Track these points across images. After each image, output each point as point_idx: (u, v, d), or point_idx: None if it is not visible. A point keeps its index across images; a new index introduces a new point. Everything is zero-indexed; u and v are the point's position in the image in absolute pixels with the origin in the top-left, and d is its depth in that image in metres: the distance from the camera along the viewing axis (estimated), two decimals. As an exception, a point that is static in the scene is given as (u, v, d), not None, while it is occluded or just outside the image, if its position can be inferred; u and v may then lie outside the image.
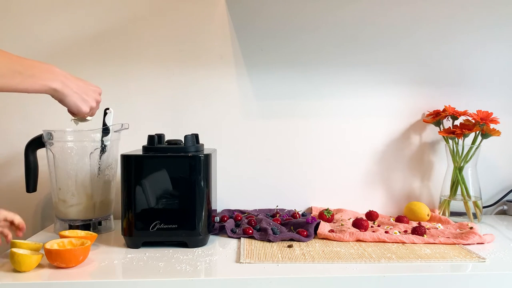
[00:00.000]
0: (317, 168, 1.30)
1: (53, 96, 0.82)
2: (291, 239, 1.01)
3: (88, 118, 0.95)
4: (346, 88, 1.29)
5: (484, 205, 1.31)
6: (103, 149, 1.08)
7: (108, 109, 1.10)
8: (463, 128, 1.22)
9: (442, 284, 0.81)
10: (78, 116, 0.90)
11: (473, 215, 1.21)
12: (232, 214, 1.19)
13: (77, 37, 1.25)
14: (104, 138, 1.08)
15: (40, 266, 0.84)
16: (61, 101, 0.84)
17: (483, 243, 1.00)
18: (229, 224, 1.09)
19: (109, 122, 1.09)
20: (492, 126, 1.22)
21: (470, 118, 1.23)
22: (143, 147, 1.01)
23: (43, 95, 0.99)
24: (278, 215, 1.20)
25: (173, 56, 1.27)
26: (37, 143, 1.10)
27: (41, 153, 1.12)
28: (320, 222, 1.11)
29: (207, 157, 0.97)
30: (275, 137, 1.30)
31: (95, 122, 1.13)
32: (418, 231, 1.03)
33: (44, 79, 0.79)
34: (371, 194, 1.32)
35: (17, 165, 1.27)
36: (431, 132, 1.32)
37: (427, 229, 1.09)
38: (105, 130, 1.08)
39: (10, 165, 1.27)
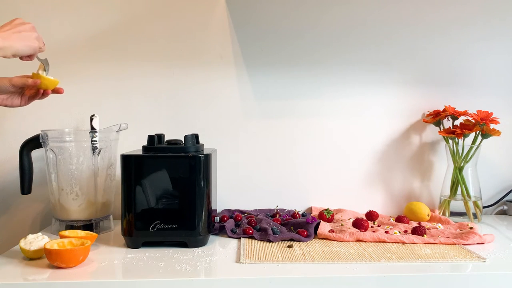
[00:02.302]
0: (317, 168, 1.30)
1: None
2: (291, 239, 1.01)
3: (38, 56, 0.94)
4: (346, 88, 1.29)
5: (484, 205, 1.31)
6: (93, 149, 1.08)
7: (93, 115, 1.11)
8: (463, 128, 1.22)
9: (442, 284, 0.81)
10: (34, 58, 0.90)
11: (473, 215, 1.21)
12: (232, 214, 1.19)
13: (77, 37, 1.25)
14: (94, 139, 1.08)
15: (40, 266, 0.84)
16: (12, 54, 0.84)
17: (483, 243, 1.00)
18: (229, 224, 1.09)
19: (96, 127, 1.10)
20: (492, 126, 1.22)
21: (470, 118, 1.23)
22: (143, 147, 1.01)
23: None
24: (278, 215, 1.20)
25: (173, 56, 1.27)
26: (32, 144, 1.09)
27: (35, 154, 1.12)
28: (320, 222, 1.11)
29: (207, 157, 0.97)
30: (275, 137, 1.30)
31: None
32: (418, 231, 1.03)
33: None
34: (371, 194, 1.32)
35: (15, 166, 1.26)
36: (431, 132, 1.32)
37: (427, 229, 1.09)
38: (94, 133, 1.08)
39: (8, 166, 1.27)
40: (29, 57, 0.90)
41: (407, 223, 1.16)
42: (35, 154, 1.12)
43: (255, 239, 1.02)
